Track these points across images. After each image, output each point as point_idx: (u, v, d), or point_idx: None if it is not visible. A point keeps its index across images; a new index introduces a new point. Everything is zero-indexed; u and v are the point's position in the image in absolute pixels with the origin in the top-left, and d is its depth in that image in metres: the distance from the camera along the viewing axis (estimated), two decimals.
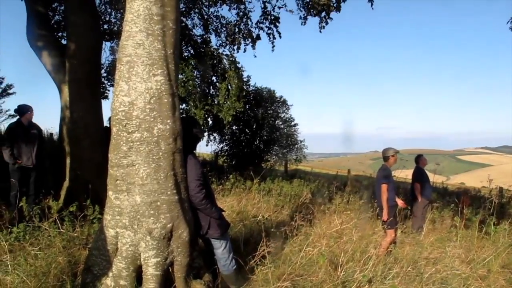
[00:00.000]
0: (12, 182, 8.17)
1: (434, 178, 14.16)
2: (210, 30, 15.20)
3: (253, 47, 14.52)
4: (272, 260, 5.66)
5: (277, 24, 13.68)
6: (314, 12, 12.43)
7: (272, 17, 13.55)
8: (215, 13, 15.16)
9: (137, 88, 4.20)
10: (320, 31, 12.63)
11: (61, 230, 6.10)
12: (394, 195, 8.03)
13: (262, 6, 13.44)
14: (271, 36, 13.81)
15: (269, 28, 13.77)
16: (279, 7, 13.37)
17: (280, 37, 13.90)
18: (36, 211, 6.27)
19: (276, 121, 21.43)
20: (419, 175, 10.11)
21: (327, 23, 12.46)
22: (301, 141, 22.22)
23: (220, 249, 4.86)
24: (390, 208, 7.80)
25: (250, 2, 14.12)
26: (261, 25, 13.80)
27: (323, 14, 12.23)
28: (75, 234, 6.18)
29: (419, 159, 10.42)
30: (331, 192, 11.28)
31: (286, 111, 21.77)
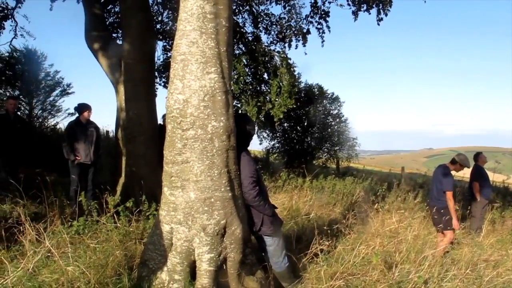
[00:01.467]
0: (72, 178, 8.52)
1: (494, 177, 13.61)
2: (260, 28, 15.23)
3: (304, 44, 14.44)
4: (324, 258, 5.60)
5: (327, 18, 13.55)
6: (366, 6, 12.23)
7: (322, 12, 13.42)
8: (265, 11, 15.20)
9: (191, 86, 4.25)
10: (378, 24, 12.48)
11: (118, 224, 6.28)
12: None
13: (312, 1, 13.34)
14: (320, 31, 13.70)
15: (319, 23, 13.66)
16: (330, 2, 13.24)
17: (329, 31, 13.78)
18: (94, 206, 6.48)
19: (327, 118, 21.19)
20: (478, 174, 9.74)
21: (386, 15, 12.24)
22: (353, 139, 21.89)
23: (273, 246, 4.85)
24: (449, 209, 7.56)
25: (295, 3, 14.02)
26: (311, 19, 13.70)
27: (380, 6, 12.02)
28: (131, 229, 6.34)
29: (478, 157, 10.03)
30: (384, 190, 11.04)
31: (337, 107, 21.51)
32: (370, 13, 12.37)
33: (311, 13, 13.61)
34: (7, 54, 16.14)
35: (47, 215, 6.28)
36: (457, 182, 13.75)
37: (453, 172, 7.89)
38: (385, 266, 5.48)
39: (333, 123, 21.44)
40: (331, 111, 21.46)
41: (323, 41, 13.97)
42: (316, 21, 13.68)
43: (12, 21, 13.78)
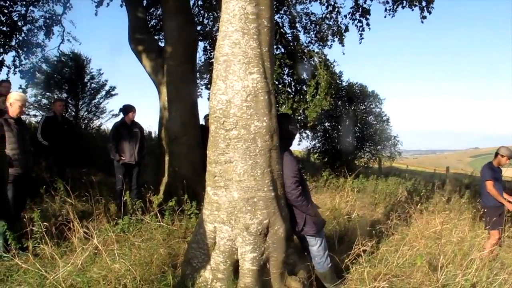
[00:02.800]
0: (117, 177, 8.74)
1: None
2: (299, 28, 15.19)
3: (341, 43, 14.32)
4: (367, 259, 5.53)
5: (368, 16, 13.40)
6: (409, 4, 12.04)
7: (363, 10, 13.28)
8: (304, 10, 15.15)
9: (234, 87, 4.29)
10: (422, 21, 12.26)
11: (161, 223, 6.41)
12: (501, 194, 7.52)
13: None
14: (360, 28, 13.55)
15: (359, 21, 13.52)
16: None
17: (369, 29, 13.62)
18: (139, 205, 6.63)
19: (369, 117, 20.86)
20: None
21: (430, 13, 12.02)
22: (394, 137, 21.46)
23: (316, 246, 4.83)
24: (495, 208, 7.33)
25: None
26: (353, 16, 13.57)
27: (424, 3, 11.81)
28: (174, 228, 6.46)
29: None
30: (428, 190, 10.79)
31: (378, 106, 21.13)
32: (413, 9, 12.16)
33: (352, 9, 13.48)
34: (55, 58, 16.70)
35: (94, 213, 6.48)
36: (506, 182, 13.28)
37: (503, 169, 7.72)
38: (429, 268, 5.36)
39: (374, 122, 21.08)
40: (373, 110, 21.11)
41: (361, 38, 13.83)
42: (356, 19, 13.54)
43: (59, 27, 14.31)
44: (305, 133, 19.96)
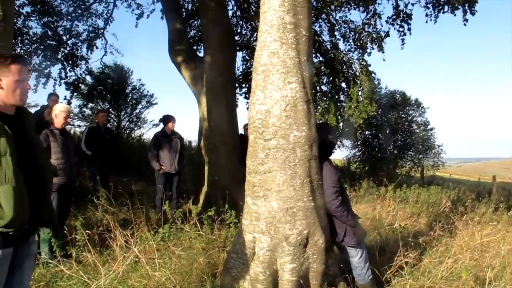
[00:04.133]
0: (157, 186, 8.87)
1: None
2: (337, 36, 15.10)
3: (381, 50, 14.12)
4: (410, 271, 5.38)
5: (409, 21, 13.18)
6: (451, 7, 11.76)
7: (404, 15, 13.07)
8: (343, 18, 15.06)
9: (272, 96, 4.29)
10: (465, 24, 11.93)
11: (201, 232, 6.44)
12: None
13: (394, 4, 13.03)
14: (401, 33, 13.32)
15: (401, 26, 13.30)
16: (412, 4, 12.88)
17: (410, 34, 13.38)
18: (178, 214, 6.69)
19: (411, 125, 20.48)
20: None
21: (473, 14, 11.70)
22: (438, 146, 20.96)
23: (356, 257, 4.75)
24: None
25: (379, 4, 13.75)
26: (393, 22, 13.36)
27: (466, 6, 11.53)
28: (214, 237, 6.47)
29: None
30: (473, 200, 10.44)
31: (421, 114, 20.72)
32: (455, 15, 11.87)
33: (393, 15, 13.29)
34: (98, 70, 17.24)
35: (134, 222, 6.60)
36: None
37: None
38: (476, 282, 5.16)
39: (417, 130, 20.67)
40: (415, 118, 20.71)
41: (403, 44, 13.62)
42: (397, 24, 13.33)
43: (102, 40, 14.81)
44: (345, 141, 19.80)
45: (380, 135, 19.45)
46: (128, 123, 18.46)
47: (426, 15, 12.67)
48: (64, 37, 14.10)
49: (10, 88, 2.84)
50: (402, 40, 13.49)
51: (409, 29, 13.32)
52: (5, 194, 2.62)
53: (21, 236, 2.83)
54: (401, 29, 13.32)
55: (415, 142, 20.34)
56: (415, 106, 20.46)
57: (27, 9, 13.21)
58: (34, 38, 13.51)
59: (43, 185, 3.00)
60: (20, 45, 13.14)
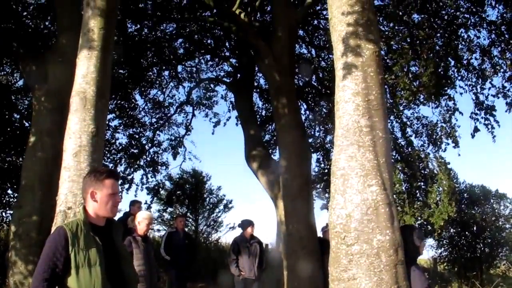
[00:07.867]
0: None
1: None
2: (410, 132, 14.86)
3: (456, 145, 13.52)
4: None
5: (493, 113, 12.58)
6: None
7: (487, 108, 12.58)
8: (414, 114, 14.91)
9: (353, 200, 4.23)
10: None
11: None
12: None
13: (474, 97, 12.68)
14: (489, 126, 12.68)
15: (486, 119, 12.72)
16: (493, 95, 12.48)
17: (499, 126, 12.64)
18: None
19: (498, 220, 19.06)
20: None
21: None
22: None
23: None
24: None
25: (454, 102, 13.36)
26: (476, 116, 12.84)
27: None
28: None
29: None
30: None
31: (508, 206, 19.26)
32: None
33: (475, 109, 12.84)
34: (177, 176, 18.03)
35: None
36: None
37: None
38: None
39: (507, 225, 19.14)
40: (501, 212, 19.30)
41: (494, 136, 12.81)
42: (482, 117, 12.79)
43: (182, 147, 15.66)
44: (429, 240, 18.71)
45: (466, 232, 18.25)
46: (205, 227, 18.76)
47: (506, 103, 12.16)
48: (146, 146, 15.08)
49: (103, 201, 3.03)
50: (492, 133, 12.74)
51: (496, 121, 12.59)
52: None
53: None
54: (486, 122, 12.71)
55: (507, 239, 18.77)
56: (498, 198, 19.12)
57: (115, 122, 14.48)
58: (119, 148, 14.60)
59: None
60: (107, 154, 14.14)
